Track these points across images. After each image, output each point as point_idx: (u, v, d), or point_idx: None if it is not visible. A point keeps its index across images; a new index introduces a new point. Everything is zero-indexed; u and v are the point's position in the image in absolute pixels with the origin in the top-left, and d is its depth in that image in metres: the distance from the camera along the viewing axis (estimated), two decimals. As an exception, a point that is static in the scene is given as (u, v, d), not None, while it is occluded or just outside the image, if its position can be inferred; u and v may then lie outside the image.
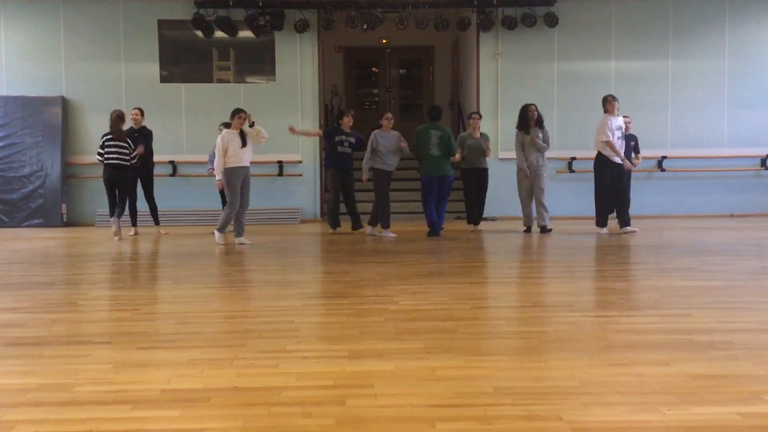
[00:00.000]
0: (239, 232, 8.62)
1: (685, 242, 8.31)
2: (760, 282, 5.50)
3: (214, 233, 8.75)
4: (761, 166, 12.50)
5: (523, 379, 2.95)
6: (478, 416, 2.51)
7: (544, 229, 9.56)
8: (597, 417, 2.51)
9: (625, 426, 2.42)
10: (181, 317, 4.40)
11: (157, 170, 10.53)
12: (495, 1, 11.96)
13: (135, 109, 10.24)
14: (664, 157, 12.38)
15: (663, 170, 12.41)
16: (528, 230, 9.76)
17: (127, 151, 9.41)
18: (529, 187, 9.72)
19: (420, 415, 2.53)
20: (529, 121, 9.66)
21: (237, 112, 8.54)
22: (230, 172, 8.42)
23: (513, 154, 10.23)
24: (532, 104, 9.82)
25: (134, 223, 10.09)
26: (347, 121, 9.98)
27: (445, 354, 3.35)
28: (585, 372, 3.02)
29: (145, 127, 10.19)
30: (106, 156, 9.34)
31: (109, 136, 9.37)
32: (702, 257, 6.82)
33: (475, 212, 10.05)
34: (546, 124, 9.94)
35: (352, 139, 9.90)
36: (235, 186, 8.45)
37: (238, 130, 8.48)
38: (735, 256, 7.01)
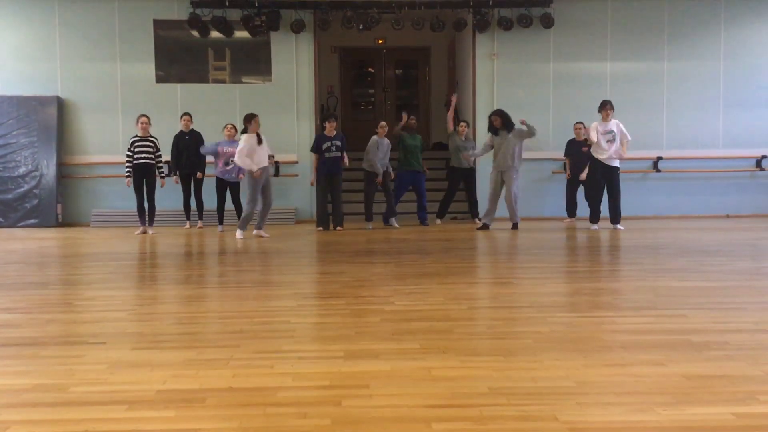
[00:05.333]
0: (259, 225, 9.53)
1: (681, 243, 8.33)
2: (755, 282, 5.51)
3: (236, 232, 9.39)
4: (756, 167, 12.54)
5: (519, 379, 2.95)
6: (474, 416, 2.51)
7: (515, 226, 10.26)
8: (593, 417, 2.51)
9: (620, 426, 2.43)
10: (176, 317, 4.39)
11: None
12: (491, 2, 11.99)
13: (185, 114, 11.08)
14: (659, 158, 12.40)
15: (658, 171, 12.43)
16: (485, 227, 10.27)
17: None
18: (499, 187, 10.26)
19: (416, 416, 2.53)
20: (494, 127, 10.20)
21: (252, 117, 9.24)
22: (251, 173, 9.25)
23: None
24: (495, 113, 10.20)
25: (191, 217, 11.17)
26: (330, 127, 10.32)
27: (440, 354, 3.35)
28: (581, 372, 3.03)
29: (193, 130, 11.03)
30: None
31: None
32: (697, 258, 6.84)
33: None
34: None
35: (338, 142, 10.25)
36: (256, 185, 9.24)
37: (255, 133, 9.20)
38: (730, 256, 7.02)
